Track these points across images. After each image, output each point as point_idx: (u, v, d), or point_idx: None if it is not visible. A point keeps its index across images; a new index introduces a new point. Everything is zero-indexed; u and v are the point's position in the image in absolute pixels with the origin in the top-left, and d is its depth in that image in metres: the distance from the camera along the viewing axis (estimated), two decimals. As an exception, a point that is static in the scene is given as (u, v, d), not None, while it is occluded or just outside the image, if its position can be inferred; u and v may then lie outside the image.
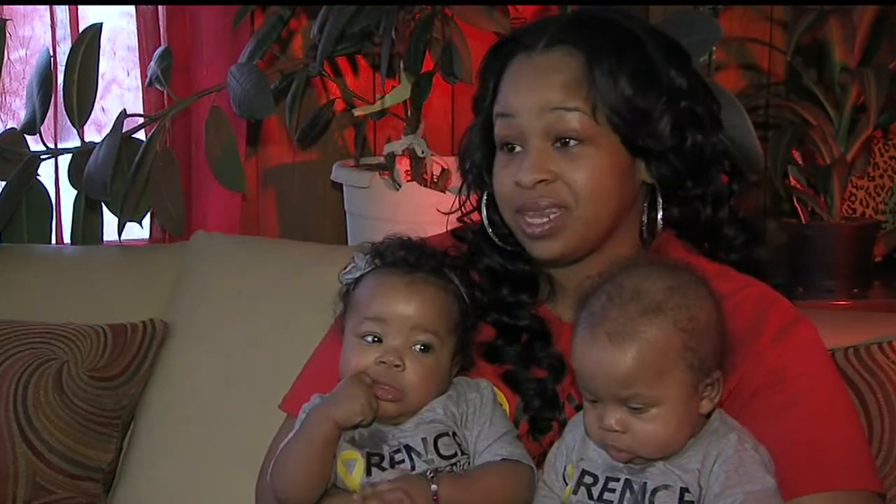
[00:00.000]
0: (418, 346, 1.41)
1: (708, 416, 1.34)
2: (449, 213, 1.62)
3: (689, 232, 1.53)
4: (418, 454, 1.38)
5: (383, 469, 1.39)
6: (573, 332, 1.35)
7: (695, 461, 1.32)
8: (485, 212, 1.54)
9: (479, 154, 1.55)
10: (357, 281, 1.46)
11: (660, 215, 1.49)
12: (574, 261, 1.49)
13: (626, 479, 1.33)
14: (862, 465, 1.40)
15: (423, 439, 1.39)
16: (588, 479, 1.35)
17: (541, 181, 1.43)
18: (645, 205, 1.50)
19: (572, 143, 1.43)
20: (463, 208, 1.60)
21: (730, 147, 1.55)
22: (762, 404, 1.40)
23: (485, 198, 1.54)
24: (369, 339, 1.41)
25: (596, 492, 1.34)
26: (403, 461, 1.39)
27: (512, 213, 1.48)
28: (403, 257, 1.43)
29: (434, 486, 1.34)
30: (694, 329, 1.30)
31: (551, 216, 1.44)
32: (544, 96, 1.43)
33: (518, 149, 1.46)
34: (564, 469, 1.39)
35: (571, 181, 1.43)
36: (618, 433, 1.31)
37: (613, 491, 1.33)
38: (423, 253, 1.45)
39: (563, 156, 1.43)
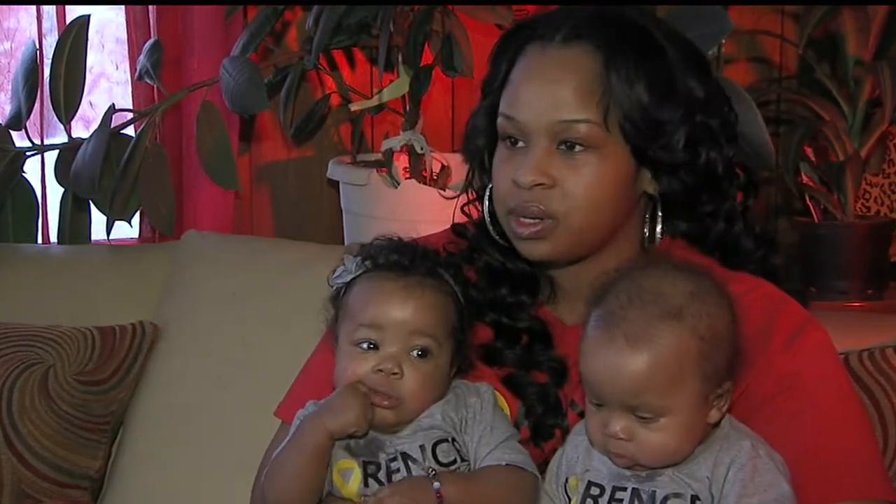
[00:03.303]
0: (416, 352, 1.38)
1: (715, 424, 1.32)
2: (457, 198, 1.58)
3: (701, 244, 1.50)
4: (415, 462, 1.36)
5: (380, 480, 1.37)
6: (584, 330, 1.32)
7: (705, 469, 1.29)
8: (486, 204, 1.51)
9: (483, 139, 1.51)
10: (348, 285, 1.43)
11: (658, 228, 1.47)
12: (570, 263, 1.47)
13: (634, 489, 1.30)
14: (875, 474, 1.39)
15: (421, 447, 1.37)
16: (594, 491, 1.32)
17: (539, 184, 1.40)
18: (647, 216, 1.48)
19: (578, 148, 1.40)
20: (469, 196, 1.57)
21: (746, 157, 1.51)
22: (773, 411, 1.38)
23: (488, 190, 1.51)
24: (365, 346, 1.39)
25: (603, 502, 1.31)
26: (399, 470, 1.36)
27: (504, 214, 1.46)
28: (397, 260, 1.41)
29: (437, 484, 1.32)
30: (711, 338, 1.28)
31: (540, 224, 1.41)
32: (554, 105, 1.40)
33: (521, 144, 1.43)
34: (566, 480, 1.36)
35: (569, 190, 1.40)
36: (622, 440, 1.28)
37: (621, 501, 1.30)
38: (417, 255, 1.42)
39: (566, 160, 1.40)
